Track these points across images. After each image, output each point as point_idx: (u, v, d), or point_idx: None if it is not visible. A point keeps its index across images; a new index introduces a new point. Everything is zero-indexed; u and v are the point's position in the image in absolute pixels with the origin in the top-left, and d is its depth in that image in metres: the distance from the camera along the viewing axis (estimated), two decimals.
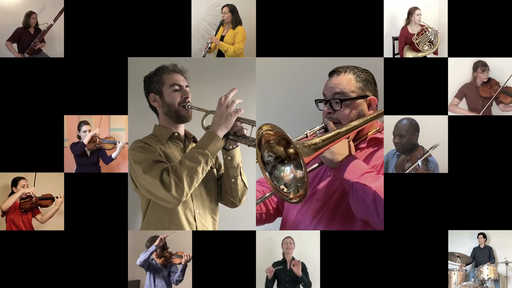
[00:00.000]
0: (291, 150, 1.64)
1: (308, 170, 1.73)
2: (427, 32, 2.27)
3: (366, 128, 1.82)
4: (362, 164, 1.70)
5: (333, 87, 1.79)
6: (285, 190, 1.64)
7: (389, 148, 2.14)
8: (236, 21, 2.36)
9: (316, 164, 1.78)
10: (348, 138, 1.74)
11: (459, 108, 2.23)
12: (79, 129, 2.37)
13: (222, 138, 1.83)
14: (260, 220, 1.96)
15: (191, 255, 2.10)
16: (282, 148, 1.66)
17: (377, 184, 1.63)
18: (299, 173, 1.61)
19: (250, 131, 1.87)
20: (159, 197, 1.78)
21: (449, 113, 2.16)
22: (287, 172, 1.65)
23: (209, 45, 2.35)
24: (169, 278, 2.11)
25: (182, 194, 1.76)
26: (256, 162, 1.70)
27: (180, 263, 2.10)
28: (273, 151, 1.66)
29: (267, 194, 1.82)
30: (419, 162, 2.11)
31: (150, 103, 2.01)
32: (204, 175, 1.83)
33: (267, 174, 1.66)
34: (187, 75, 2.02)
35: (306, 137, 1.74)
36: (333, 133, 1.67)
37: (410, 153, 2.14)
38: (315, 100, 1.85)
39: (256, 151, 1.66)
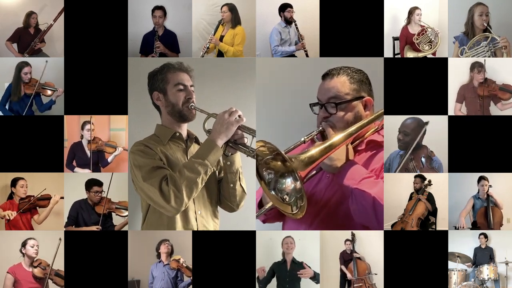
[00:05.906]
0: (288, 163, 1.61)
1: (308, 176, 1.72)
2: (427, 32, 2.28)
3: (364, 129, 1.78)
4: (361, 169, 1.68)
5: (327, 90, 1.75)
6: (287, 199, 1.62)
7: (389, 148, 2.13)
8: (235, 20, 2.35)
9: (314, 171, 1.75)
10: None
11: (462, 112, 2.23)
12: (83, 128, 2.35)
13: (222, 146, 1.82)
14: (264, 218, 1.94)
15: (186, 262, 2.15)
16: (279, 163, 1.63)
17: (376, 190, 1.60)
18: (298, 184, 1.59)
19: (250, 141, 1.85)
20: (158, 204, 1.77)
21: (449, 113, 2.17)
22: (288, 183, 1.62)
23: (208, 45, 2.35)
24: (176, 280, 2.14)
25: (181, 204, 1.75)
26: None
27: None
28: (271, 167, 1.64)
29: (267, 206, 1.79)
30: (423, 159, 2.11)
31: (153, 101, 1.98)
32: (203, 184, 1.82)
33: (272, 192, 1.64)
34: (192, 74, 1.98)
35: (304, 142, 1.71)
36: (329, 142, 1.64)
37: (414, 152, 2.13)
38: (310, 104, 1.82)
39: (255, 170, 1.64)
